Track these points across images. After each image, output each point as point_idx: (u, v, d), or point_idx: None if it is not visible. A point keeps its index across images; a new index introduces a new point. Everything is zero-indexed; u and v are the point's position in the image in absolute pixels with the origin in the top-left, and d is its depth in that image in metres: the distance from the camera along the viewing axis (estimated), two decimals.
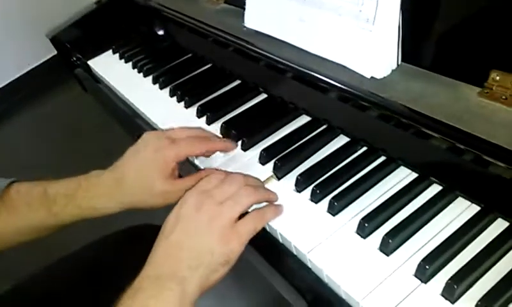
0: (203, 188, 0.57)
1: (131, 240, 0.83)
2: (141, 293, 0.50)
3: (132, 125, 0.91)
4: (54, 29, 1.16)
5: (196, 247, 0.53)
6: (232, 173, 0.61)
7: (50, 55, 2.55)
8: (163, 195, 0.61)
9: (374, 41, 0.57)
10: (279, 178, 0.65)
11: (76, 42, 1.14)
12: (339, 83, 0.61)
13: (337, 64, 0.63)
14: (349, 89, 0.60)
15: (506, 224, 0.51)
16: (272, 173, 0.65)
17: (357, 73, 0.60)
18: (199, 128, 0.71)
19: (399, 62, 0.59)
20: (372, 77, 0.59)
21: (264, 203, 0.60)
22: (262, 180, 0.64)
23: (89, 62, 1.08)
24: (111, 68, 1.05)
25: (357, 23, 0.58)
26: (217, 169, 0.65)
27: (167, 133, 0.66)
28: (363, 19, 0.57)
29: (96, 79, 1.07)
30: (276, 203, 0.60)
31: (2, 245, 0.67)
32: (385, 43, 0.57)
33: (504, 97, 0.49)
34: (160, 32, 1.09)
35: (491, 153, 0.47)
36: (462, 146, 0.49)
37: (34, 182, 0.68)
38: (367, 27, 0.56)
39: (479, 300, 0.44)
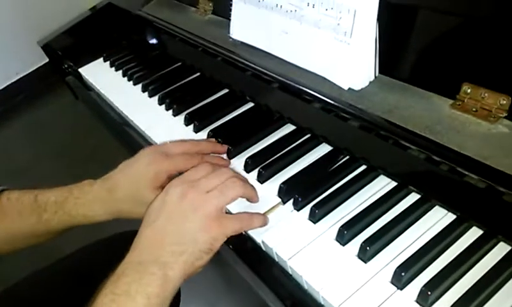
0: (190, 178, 0.58)
1: (122, 245, 0.84)
2: (123, 278, 0.51)
3: (122, 132, 0.92)
4: (46, 36, 1.17)
5: (180, 233, 0.53)
6: (220, 166, 0.62)
7: (43, 63, 2.56)
8: None
9: (351, 53, 0.59)
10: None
11: (67, 50, 1.15)
12: (319, 94, 0.63)
13: (318, 75, 0.64)
14: (328, 100, 0.61)
15: (480, 232, 0.52)
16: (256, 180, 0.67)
17: (336, 85, 0.62)
18: (192, 140, 0.73)
19: (377, 74, 0.60)
20: (350, 89, 0.60)
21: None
22: None
23: (80, 70, 1.09)
24: (101, 75, 1.06)
25: (335, 36, 0.59)
26: None
27: (162, 148, 0.67)
28: (341, 32, 0.58)
29: (87, 87, 1.08)
30: (260, 212, 0.61)
31: None
32: (362, 55, 0.58)
33: (474, 109, 0.51)
34: (151, 41, 1.10)
35: (461, 163, 0.49)
36: (434, 157, 0.51)
37: (25, 190, 0.69)
38: (344, 39, 0.58)
39: (451, 306, 0.46)
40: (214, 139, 0.75)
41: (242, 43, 0.77)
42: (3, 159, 2.10)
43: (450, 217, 0.55)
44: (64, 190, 0.67)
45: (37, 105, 2.56)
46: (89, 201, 0.65)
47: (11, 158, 2.13)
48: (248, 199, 0.61)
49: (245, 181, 0.61)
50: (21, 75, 2.65)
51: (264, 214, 0.60)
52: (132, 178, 0.64)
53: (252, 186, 0.62)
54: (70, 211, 0.65)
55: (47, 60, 1.22)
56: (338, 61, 0.60)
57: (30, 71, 2.65)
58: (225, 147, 0.72)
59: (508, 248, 0.50)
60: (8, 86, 2.62)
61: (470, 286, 0.47)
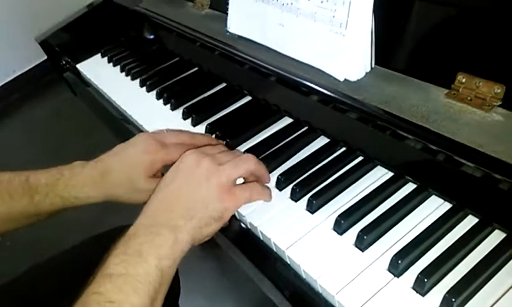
0: (204, 151, 0.60)
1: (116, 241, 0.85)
2: (135, 238, 0.52)
3: (121, 127, 0.93)
4: (44, 33, 1.17)
5: (191, 198, 0.55)
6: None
7: (40, 61, 2.57)
8: (146, 192, 0.63)
9: (346, 45, 0.59)
10: None
11: (65, 46, 1.16)
12: (316, 85, 0.63)
13: (314, 67, 0.65)
14: (325, 92, 0.62)
15: (475, 220, 0.53)
16: None
17: (333, 76, 0.62)
18: (188, 131, 0.73)
19: (373, 66, 0.61)
20: (346, 80, 0.61)
21: None
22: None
23: (78, 66, 1.10)
24: (99, 71, 1.06)
25: (331, 28, 0.60)
26: None
27: (158, 137, 0.67)
28: (337, 24, 0.59)
29: (85, 83, 1.08)
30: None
31: None
32: (358, 47, 0.59)
33: (469, 98, 0.51)
34: (148, 37, 1.11)
35: (456, 151, 0.49)
36: (430, 145, 0.51)
37: (16, 172, 0.68)
38: (340, 31, 0.59)
39: (447, 292, 0.46)
40: (209, 135, 0.76)
41: (239, 36, 0.77)
42: (1, 157, 2.10)
43: (446, 206, 0.56)
44: (55, 172, 0.66)
45: (34, 103, 2.56)
46: (81, 183, 0.65)
47: (9, 156, 2.13)
48: (259, 177, 0.62)
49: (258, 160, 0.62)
50: (18, 73, 2.65)
51: None
52: (126, 164, 0.65)
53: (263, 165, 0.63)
54: (62, 193, 0.65)
55: (45, 57, 1.22)
56: (334, 53, 0.61)
57: (27, 69, 2.65)
58: (220, 142, 0.72)
59: (503, 235, 0.51)
60: (5, 83, 2.63)
61: (465, 273, 0.48)
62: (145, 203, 0.59)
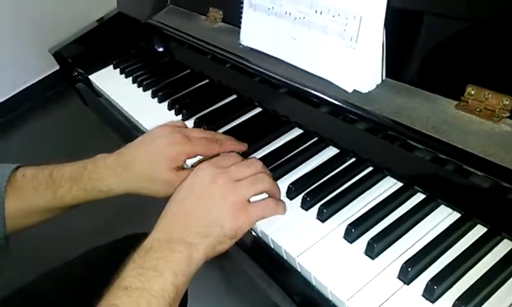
0: (220, 163, 0.60)
1: (127, 249, 0.85)
2: (151, 253, 0.53)
3: (132, 137, 0.94)
4: (57, 45, 1.19)
5: (206, 217, 0.55)
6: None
7: (49, 72, 2.60)
8: (168, 184, 0.64)
9: (357, 58, 0.61)
10: None
11: (78, 57, 1.18)
12: (327, 96, 0.65)
13: (325, 79, 0.66)
14: (336, 103, 0.63)
15: (484, 229, 0.54)
16: None
17: (342, 88, 0.64)
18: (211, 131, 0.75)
19: (384, 78, 0.62)
20: (357, 91, 0.62)
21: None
22: None
23: (91, 77, 1.12)
24: (111, 82, 1.08)
25: (342, 41, 0.61)
26: None
27: (182, 130, 0.68)
28: (347, 37, 0.61)
29: (97, 93, 1.10)
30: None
31: (11, 228, 0.68)
32: (368, 59, 0.60)
33: (478, 110, 0.52)
34: (160, 49, 1.13)
35: (466, 160, 0.50)
36: (440, 155, 0.53)
37: (40, 166, 0.70)
38: (350, 44, 0.60)
39: (457, 300, 0.47)
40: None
41: (251, 49, 0.79)
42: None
43: (455, 215, 0.56)
44: (79, 166, 0.67)
45: (44, 113, 2.58)
46: (104, 176, 0.66)
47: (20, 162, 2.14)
48: (272, 195, 0.62)
49: (271, 176, 0.63)
50: (28, 84, 2.68)
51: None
52: (151, 156, 0.65)
53: (277, 184, 0.63)
54: (85, 186, 0.66)
55: (54, 69, 1.24)
56: (344, 65, 0.62)
57: (37, 80, 2.68)
58: (243, 144, 0.73)
59: (511, 245, 0.51)
60: (15, 94, 2.65)
61: (474, 281, 0.49)
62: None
